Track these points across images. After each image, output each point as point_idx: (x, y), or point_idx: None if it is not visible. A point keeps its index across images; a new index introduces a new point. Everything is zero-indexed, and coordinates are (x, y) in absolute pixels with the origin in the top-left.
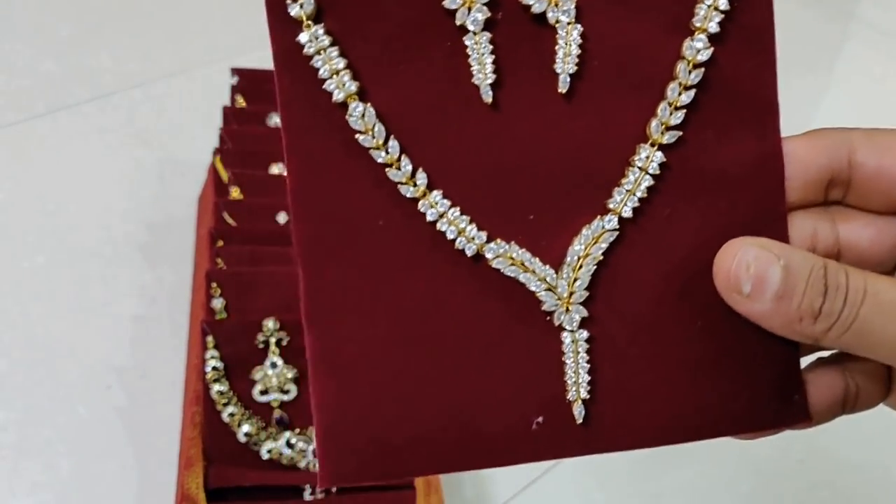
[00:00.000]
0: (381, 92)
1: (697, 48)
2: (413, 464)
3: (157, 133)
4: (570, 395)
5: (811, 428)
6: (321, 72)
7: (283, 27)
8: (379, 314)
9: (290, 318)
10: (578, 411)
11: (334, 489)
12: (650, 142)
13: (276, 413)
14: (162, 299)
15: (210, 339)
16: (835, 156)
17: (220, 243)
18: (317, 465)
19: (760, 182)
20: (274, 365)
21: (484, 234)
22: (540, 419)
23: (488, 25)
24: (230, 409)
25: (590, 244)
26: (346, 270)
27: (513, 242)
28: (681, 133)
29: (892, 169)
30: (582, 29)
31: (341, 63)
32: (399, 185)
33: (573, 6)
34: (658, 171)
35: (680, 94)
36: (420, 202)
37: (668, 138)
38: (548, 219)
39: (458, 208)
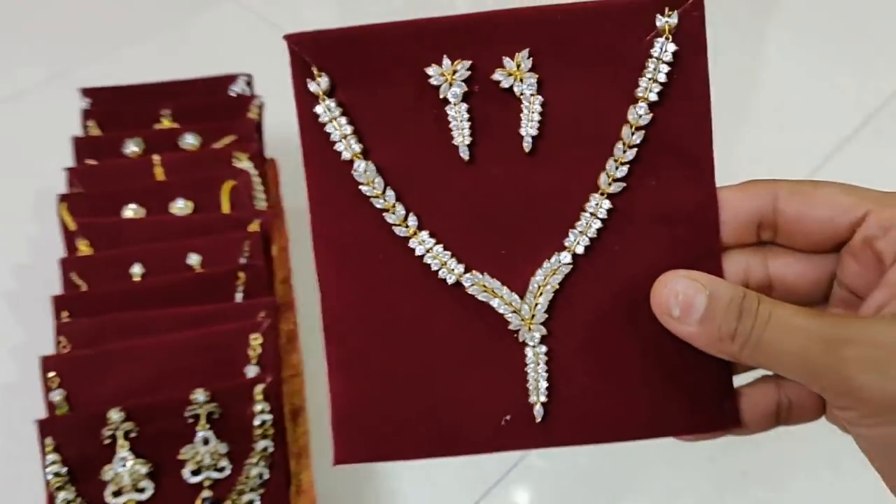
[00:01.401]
0: (381, 151)
1: (639, 114)
2: (404, 449)
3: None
4: (532, 399)
5: (751, 435)
6: (332, 136)
7: (305, 99)
8: (378, 328)
9: (139, 404)
10: (538, 411)
11: None
12: (600, 192)
13: None
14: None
15: (49, 440)
16: (762, 203)
17: (66, 315)
18: None
19: (698, 224)
20: (124, 462)
21: (462, 267)
22: (508, 417)
23: (466, 97)
24: None
25: (549, 275)
26: (354, 293)
27: (486, 273)
28: (625, 184)
29: (812, 215)
30: (543, 99)
31: (349, 129)
32: (394, 227)
33: (535, 81)
34: (606, 216)
35: (625, 151)
36: (411, 240)
37: (614, 188)
38: (515, 254)
39: (441, 245)
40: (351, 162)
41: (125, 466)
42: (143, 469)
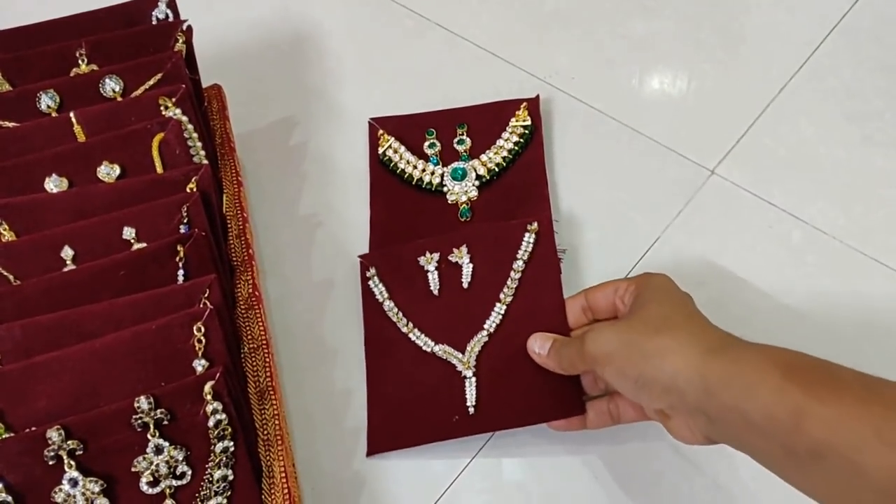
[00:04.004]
0: (397, 296)
1: (517, 267)
2: (406, 441)
3: None
4: (468, 405)
5: (590, 429)
6: (375, 293)
7: (364, 278)
8: (394, 378)
9: (79, 420)
10: (471, 412)
11: None
12: (500, 303)
13: None
14: None
15: None
16: (581, 302)
17: None
18: None
19: (553, 315)
20: (74, 482)
21: (433, 342)
22: (456, 417)
23: (435, 267)
24: None
25: (476, 343)
26: (382, 362)
27: (446, 344)
28: (512, 298)
29: (597, 298)
30: (472, 265)
31: (383, 288)
32: (402, 328)
33: (469, 257)
34: (503, 314)
35: (511, 284)
36: (409, 334)
37: (507, 301)
38: (462, 333)
39: (424, 333)
40: (383, 302)
41: (77, 486)
42: (97, 487)
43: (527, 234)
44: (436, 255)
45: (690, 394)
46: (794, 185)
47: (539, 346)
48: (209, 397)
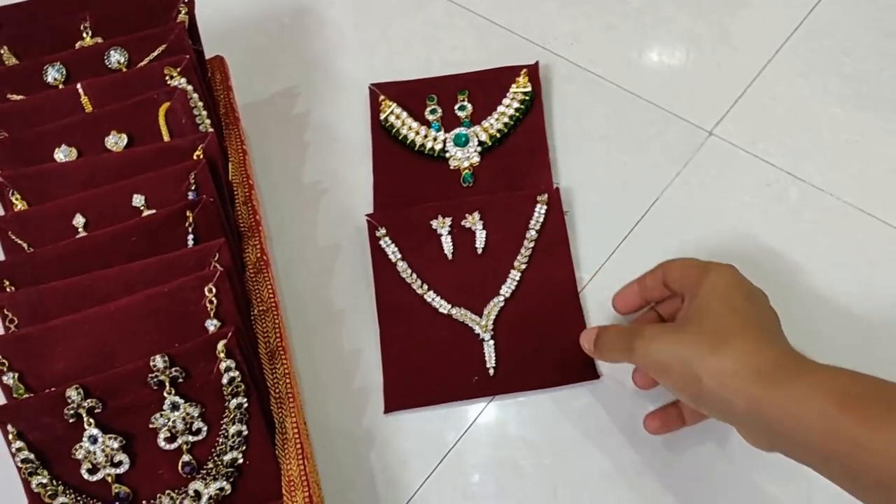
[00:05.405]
0: (410, 257)
1: (531, 235)
2: (421, 399)
3: None
4: (487, 366)
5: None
6: (388, 252)
7: (374, 237)
8: (410, 339)
9: (97, 379)
10: (491, 373)
11: None
12: (515, 269)
13: (115, 489)
14: None
15: (10, 428)
16: (659, 276)
17: (8, 285)
18: None
19: (563, 286)
20: (94, 438)
21: (449, 305)
22: (476, 378)
23: (448, 231)
24: (61, 499)
25: (493, 307)
26: (397, 323)
27: (463, 307)
28: (525, 265)
29: (672, 276)
30: (485, 231)
31: (395, 248)
32: (416, 290)
33: (481, 223)
34: (518, 280)
35: (524, 251)
36: (424, 295)
37: (521, 268)
38: (478, 297)
39: (440, 296)
40: (395, 264)
41: (97, 443)
42: (116, 443)
43: (538, 205)
44: (448, 220)
45: (746, 420)
46: (791, 144)
47: (586, 339)
48: (222, 355)
